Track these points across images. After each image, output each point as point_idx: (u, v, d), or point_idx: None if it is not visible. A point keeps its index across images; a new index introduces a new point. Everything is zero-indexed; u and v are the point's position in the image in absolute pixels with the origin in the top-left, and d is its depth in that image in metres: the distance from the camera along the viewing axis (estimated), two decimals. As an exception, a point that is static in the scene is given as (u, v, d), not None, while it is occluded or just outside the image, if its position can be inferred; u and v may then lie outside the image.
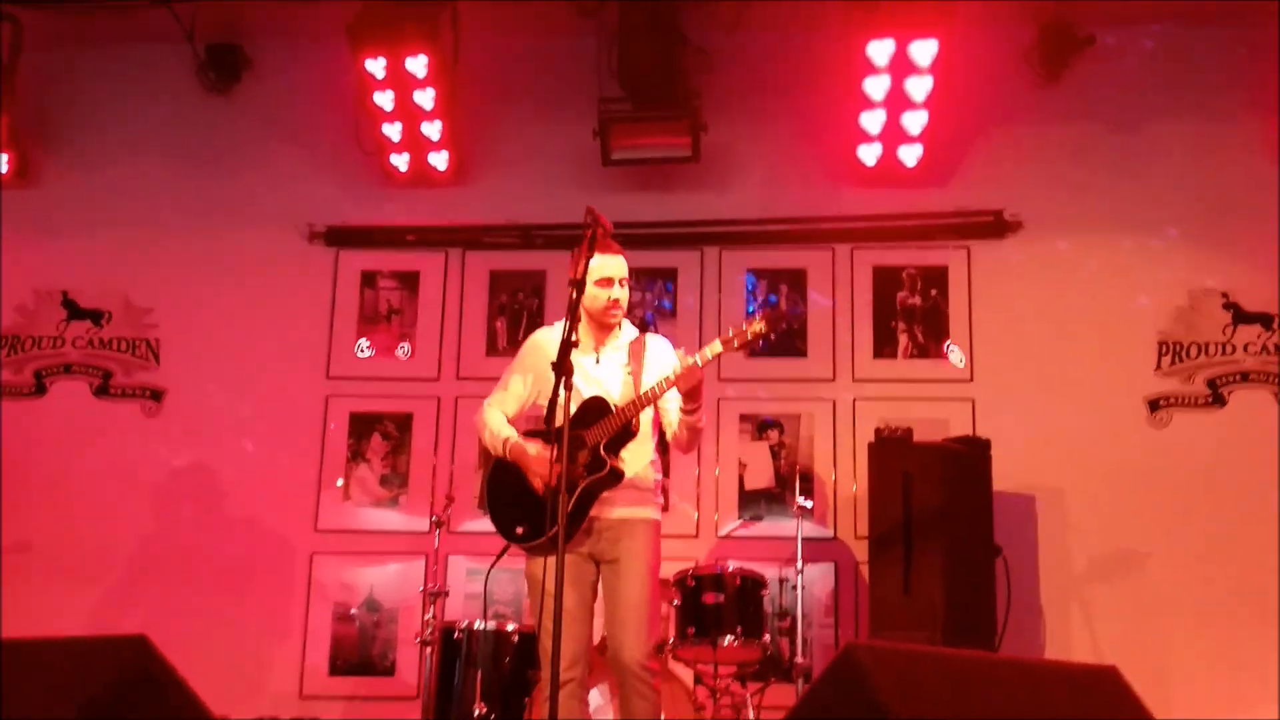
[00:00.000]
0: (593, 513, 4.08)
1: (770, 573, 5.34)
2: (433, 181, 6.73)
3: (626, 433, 4.09)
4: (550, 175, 6.66)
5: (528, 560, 4.14)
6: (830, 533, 6.17)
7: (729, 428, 6.25)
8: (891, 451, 5.67)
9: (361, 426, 6.50)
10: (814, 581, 5.93)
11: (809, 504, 5.65)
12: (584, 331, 4.16)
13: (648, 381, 4.12)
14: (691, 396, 4.01)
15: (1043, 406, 6.28)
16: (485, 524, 5.63)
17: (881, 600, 5.50)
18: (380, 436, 6.48)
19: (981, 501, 5.57)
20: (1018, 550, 5.85)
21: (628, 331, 4.35)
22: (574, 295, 3.67)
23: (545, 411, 3.71)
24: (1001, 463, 5.72)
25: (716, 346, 3.97)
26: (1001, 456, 5.73)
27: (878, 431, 5.86)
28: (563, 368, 3.56)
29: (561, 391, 3.59)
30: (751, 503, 6.26)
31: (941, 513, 5.42)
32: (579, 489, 4.01)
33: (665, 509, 4.75)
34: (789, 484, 6.03)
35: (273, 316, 6.68)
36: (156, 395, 6.66)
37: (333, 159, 6.80)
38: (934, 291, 6.44)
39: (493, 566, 4.42)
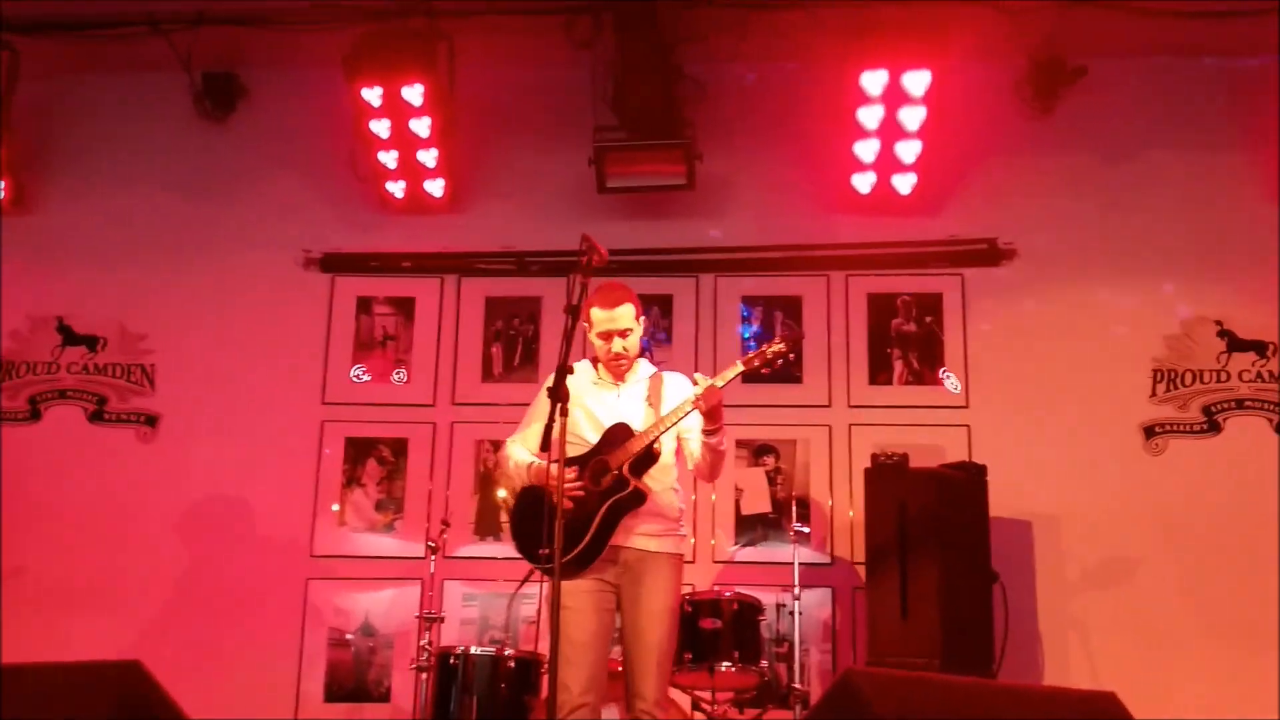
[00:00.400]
0: (617, 541, 4.10)
1: (767, 598, 5.32)
2: (428, 208, 6.72)
3: (649, 457, 4.13)
4: (545, 203, 6.67)
5: (552, 586, 4.03)
6: (827, 558, 6.14)
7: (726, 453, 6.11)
8: (888, 477, 5.65)
9: (357, 452, 6.48)
10: (811, 607, 5.90)
11: (806, 529, 5.73)
12: (603, 371, 4.29)
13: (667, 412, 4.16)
14: (712, 417, 4.06)
15: (1038, 432, 6.26)
16: (481, 548, 6.07)
17: (879, 626, 5.48)
18: (376, 462, 6.46)
19: (978, 527, 5.55)
20: (1015, 576, 5.85)
21: (645, 368, 4.42)
22: (569, 322, 3.69)
23: (543, 439, 3.73)
24: (998, 488, 5.68)
25: (737, 367, 4.11)
26: (998, 482, 5.70)
27: (874, 457, 5.82)
28: (558, 393, 3.62)
29: (558, 419, 3.65)
30: (748, 528, 6.23)
31: (938, 538, 5.39)
32: (603, 508, 4.05)
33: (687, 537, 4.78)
34: (786, 509, 6.02)
35: (268, 342, 6.65)
36: (151, 421, 6.63)
37: (329, 186, 6.80)
38: (929, 318, 6.44)
39: (517, 591, 4.60)
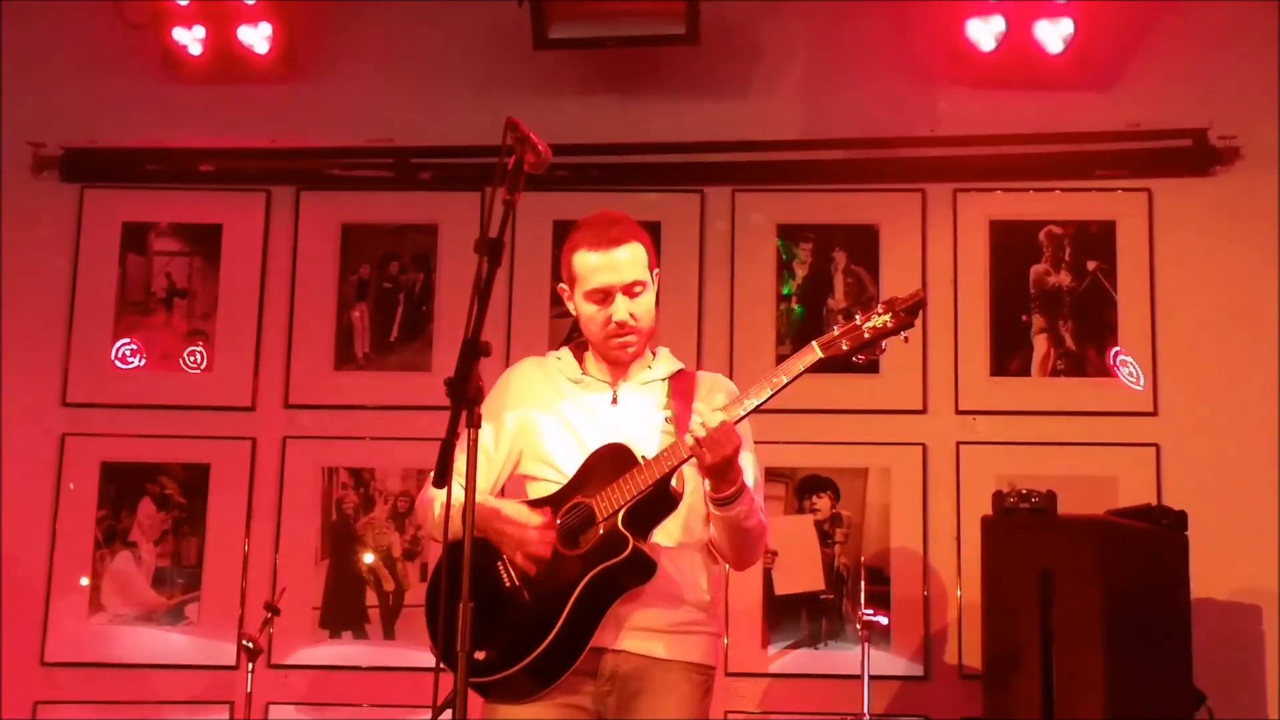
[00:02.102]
0: (603, 639, 4.06)
1: (821, 737, 5.67)
2: (247, 74, 6.62)
3: (663, 500, 4.06)
4: (446, 68, 6.67)
5: (486, 707, 4.09)
6: (920, 669, 6.15)
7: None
8: (1021, 532, 5.63)
9: (121, 487, 6.50)
10: (896, 748, 6.22)
11: (884, 619, 5.75)
12: (592, 360, 4.34)
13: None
14: (719, 472, 3.97)
15: (1273, 455, 6.16)
16: (335, 651, 6.32)
17: (1009, 779, 5.68)
18: (154, 504, 6.47)
19: (1174, 615, 5.59)
20: (1232, 696, 5.83)
21: (665, 361, 4.40)
22: (483, 269, 3.58)
23: (437, 465, 3.55)
24: (1206, 550, 5.71)
25: (796, 367, 3.96)
26: (1206, 539, 5.73)
27: (998, 498, 5.68)
28: (462, 390, 3.51)
29: (465, 430, 3.51)
30: (786, 617, 6.25)
31: (1107, 635, 5.39)
32: (582, 584, 4.02)
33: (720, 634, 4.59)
34: (850, 585, 6.13)
35: (-33, 299, 6.77)
36: None
37: (76, 36, 6.77)
38: (1093, 263, 6.42)
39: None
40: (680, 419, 4.24)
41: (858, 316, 3.99)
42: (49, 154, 6.64)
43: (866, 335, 3.96)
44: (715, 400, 4.20)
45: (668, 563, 4.12)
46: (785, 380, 3.93)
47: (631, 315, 4.20)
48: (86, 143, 6.67)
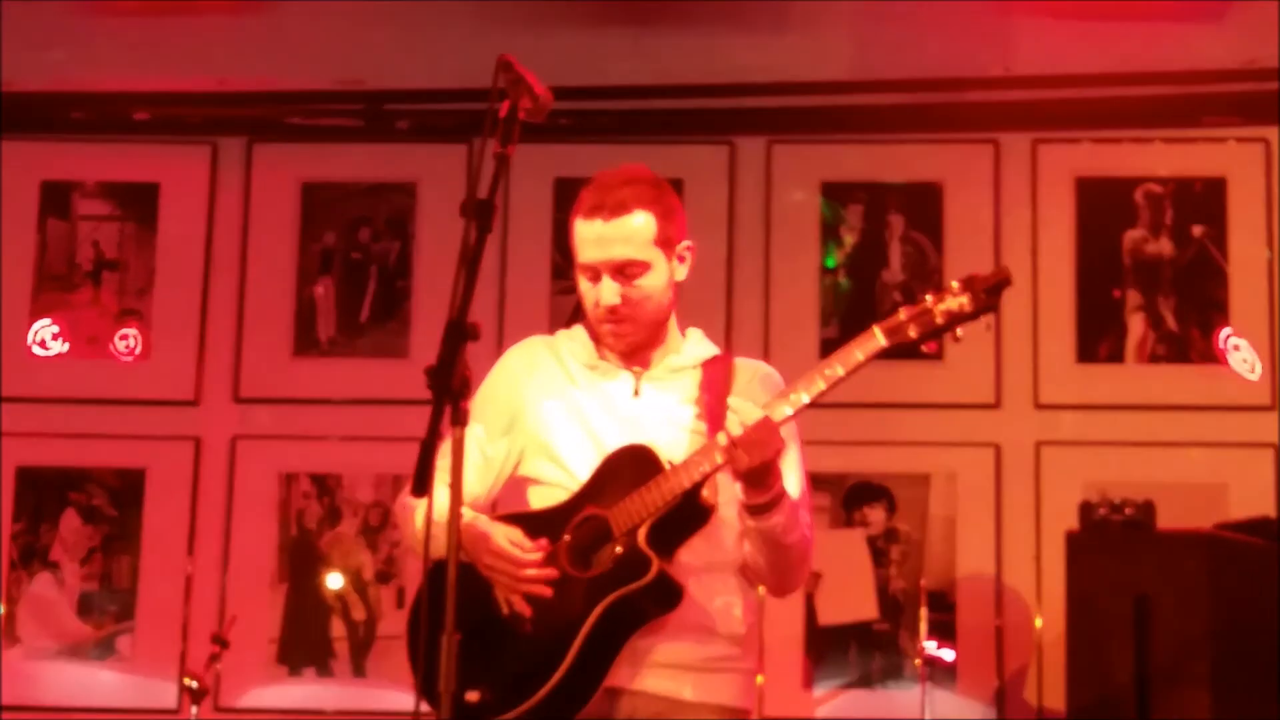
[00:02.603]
0: (618, 680, 3.97)
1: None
2: (190, 3, 6.66)
3: (692, 513, 3.94)
4: None
5: None
6: (992, 712, 6.13)
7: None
8: (1113, 550, 5.58)
9: (42, 495, 6.51)
10: (966, 805, 6.45)
11: (948, 655, 5.79)
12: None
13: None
14: (756, 479, 3.87)
15: None
16: (294, 692, 6.41)
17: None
18: (80, 516, 6.48)
19: None
20: None
21: (695, 346, 4.22)
22: (470, 236, 3.46)
23: (415, 471, 3.37)
24: None
25: (836, 371, 3.83)
26: None
27: (1085, 509, 5.62)
28: (446, 379, 3.38)
29: (450, 431, 3.35)
30: (833, 653, 6.23)
31: (1214, 672, 5.34)
32: (595, 613, 3.92)
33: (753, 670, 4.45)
34: (908, 613, 6.12)
35: None
36: None
37: None
38: (1198, 229, 6.37)
39: None
40: (712, 415, 4.08)
41: (929, 297, 3.80)
42: (-48, 98, 6.60)
43: (939, 320, 3.77)
44: (754, 394, 4.07)
45: (696, 587, 3.97)
46: (842, 372, 3.76)
47: (624, 300, 4.06)
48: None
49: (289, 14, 6.62)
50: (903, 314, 3.77)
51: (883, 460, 6.27)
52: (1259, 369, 6.19)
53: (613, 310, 4.04)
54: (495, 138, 3.52)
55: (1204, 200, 6.34)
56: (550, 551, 3.94)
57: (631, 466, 3.98)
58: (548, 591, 3.93)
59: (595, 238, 4.03)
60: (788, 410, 3.80)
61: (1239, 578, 5.39)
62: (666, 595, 3.92)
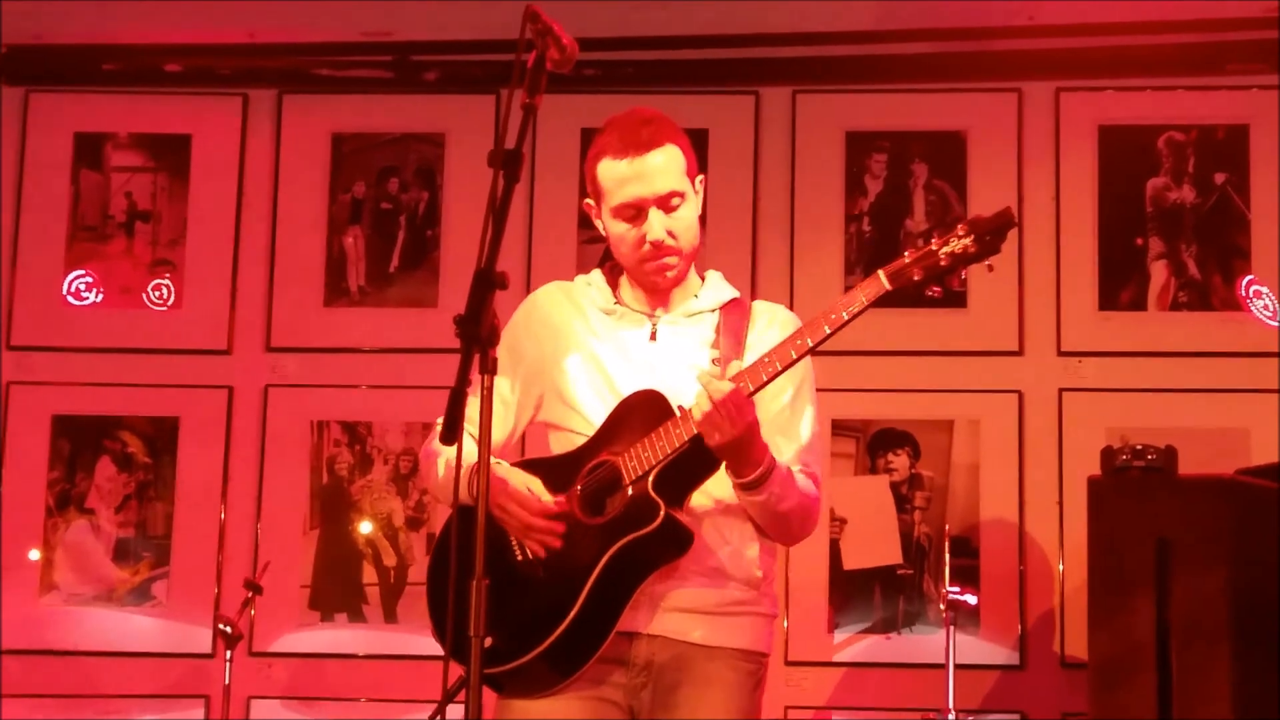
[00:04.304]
0: (632, 623, 4.07)
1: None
2: None
3: (702, 461, 4.02)
4: None
5: (500, 704, 4.10)
6: (1014, 657, 6.12)
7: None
8: (1134, 495, 5.48)
9: (77, 443, 6.51)
10: (988, 752, 6.28)
11: (973, 599, 5.81)
12: (627, 287, 4.34)
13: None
14: (737, 454, 4.00)
15: None
16: (328, 636, 6.44)
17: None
18: (114, 464, 6.48)
19: None
20: None
21: (713, 289, 4.35)
22: (498, 186, 3.50)
23: (446, 417, 3.47)
24: None
25: (841, 315, 3.93)
26: None
27: (1107, 455, 5.50)
28: (477, 326, 3.45)
29: (478, 376, 3.45)
30: (857, 597, 6.26)
31: (1235, 619, 5.24)
32: (605, 558, 4.03)
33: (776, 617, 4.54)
34: (932, 559, 6.16)
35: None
36: None
37: None
38: (1221, 176, 6.34)
39: (437, 714, 4.07)
40: (728, 359, 4.20)
41: (934, 240, 3.95)
42: (-12, 52, 6.65)
43: (943, 262, 3.91)
44: (771, 337, 4.17)
45: (710, 531, 4.11)
46: (845, 317, 3.87)
47: (669, 233, 4.14)
48: (31, 38, 6.61)
49: (314, -32, 6.84)
50: (907, 257, 3.89)
51: (906, 407, 6.31)
52: (1280, 316, 6.35)
53: (659, 245, 4.11)
54: (523, 88, 3.59)
55: (1226, 147, 6.35)
56: (564, 499, 4.07)
57: (642, 411, 4.10)
58: (556, 542, 4.05)
59: (634, 174, 4.10)
60: (780, 367, 3.90)
61: (1260, 522, 5.36)
62: (676, 540, 4.02)
